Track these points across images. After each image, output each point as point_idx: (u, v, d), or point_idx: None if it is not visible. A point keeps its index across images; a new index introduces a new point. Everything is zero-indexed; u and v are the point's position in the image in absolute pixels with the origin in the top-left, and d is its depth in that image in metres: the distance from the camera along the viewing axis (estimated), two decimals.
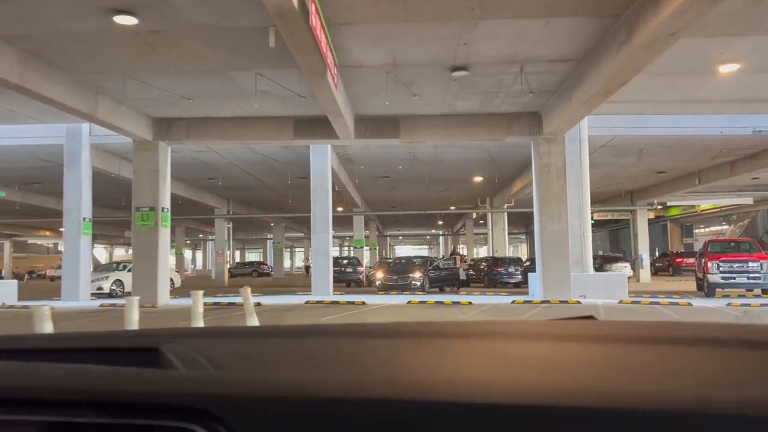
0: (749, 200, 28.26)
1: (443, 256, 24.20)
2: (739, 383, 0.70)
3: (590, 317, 1.07)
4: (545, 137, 13.30)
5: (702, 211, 34.79)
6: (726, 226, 38.21)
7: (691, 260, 37.42)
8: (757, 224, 33.91)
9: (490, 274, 24.43)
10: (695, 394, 0.61)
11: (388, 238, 63.86)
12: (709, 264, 16.03)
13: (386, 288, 18.15)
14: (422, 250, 76.03)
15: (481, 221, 35.40)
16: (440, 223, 46.14)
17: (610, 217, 36.24)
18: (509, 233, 38.70)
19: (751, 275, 15.57)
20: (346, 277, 24.57)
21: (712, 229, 42.15)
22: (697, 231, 43.96)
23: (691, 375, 0.73)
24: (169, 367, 0.81)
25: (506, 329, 1.02)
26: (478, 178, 22.63)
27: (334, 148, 17.53)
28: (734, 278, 15.67)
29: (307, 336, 1.05)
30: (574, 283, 13.94)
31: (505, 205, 27.31)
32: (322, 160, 15.74)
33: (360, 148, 17.52)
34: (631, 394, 0.60)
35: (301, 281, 27.24)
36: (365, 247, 30.29)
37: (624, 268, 24.50)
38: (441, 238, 60.75)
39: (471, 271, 26.37)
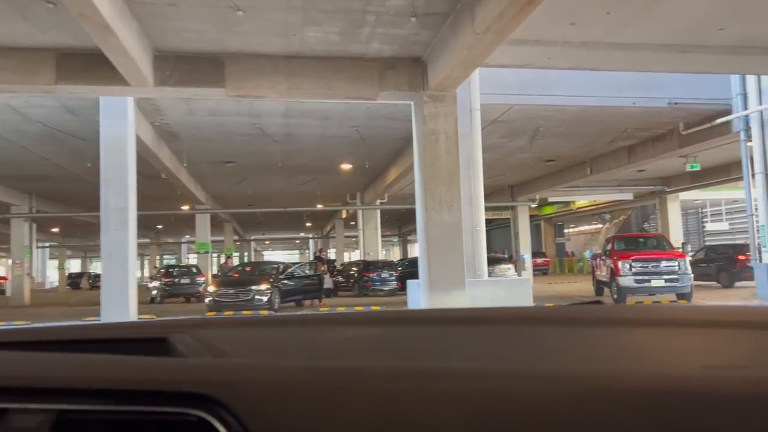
0: (630, 196, 27.01)
1: (300, 263, 20.01)
2: (742, 363, 0.71)
3: (598, 302, 1.12)
4: (432, 93, 9.62)
5: (578, 209, 33.62)
6: (599, 225, 37.62)
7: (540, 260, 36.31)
8: (631, 223, 33.29)
9: (361, 281, 20.69)
10: (699, 376, 0.62)
11: (252, 243, 58.46)
12: (620, 264, 13.29)
13: (219, 306, 13.61)
14: (293, 256, 71.57)
15: (353, 222, 31.72)
16: (308, 224, 41.87)
17: (485, 217, 34.23)
18: (382, 235, 35.27)
19: (667, 277, 13.00)
20: (181, 290, 19.64)
21: (583, 228, 41.67)
22: (567, 231, 43.52)
23: (696, 356, 0.76)
24: (177, 356, 0.83)
25: (514, 315, 1.05)
26: (346, 166, 18.74)
27: (143, 113, 12.73)
28: (649, 281, 13.03)
29: (311, 324, 1.08)
30: (469, 290, 10.48)
31: (378, 201, 23.72)
32: (119, 125, 10.96)
33: (182, 113, 12.89)
34: (636, 376, 0.61)
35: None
36: (212, 252, 25.36)
37: (508, 270, 21.77)
38: (311, 242, 56.50)
39: (340, 278, 22.51)
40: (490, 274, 21.09)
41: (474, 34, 7.31)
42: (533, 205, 26.18)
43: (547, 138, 15.80)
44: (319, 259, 20.42)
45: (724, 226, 27.81)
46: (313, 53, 9.13)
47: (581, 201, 32.17)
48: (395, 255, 57.11)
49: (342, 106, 12.49)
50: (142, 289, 26.05)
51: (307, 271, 16.89)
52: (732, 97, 12.70)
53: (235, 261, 29.34)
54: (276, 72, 9.31)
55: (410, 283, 12.08)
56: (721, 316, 0.93)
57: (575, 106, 12.81)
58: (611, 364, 0.70)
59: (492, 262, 22.69)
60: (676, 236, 25.94)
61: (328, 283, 20.42)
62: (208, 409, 0.62)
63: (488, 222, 39.90)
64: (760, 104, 11.89)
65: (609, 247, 14.57)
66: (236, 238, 47.21)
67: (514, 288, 12.13)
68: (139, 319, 11.16)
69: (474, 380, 0.61)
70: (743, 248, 19.54)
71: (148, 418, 0.64)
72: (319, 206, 27.40)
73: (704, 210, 31.09)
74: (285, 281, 15.02)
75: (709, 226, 29.40)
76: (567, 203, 33.69)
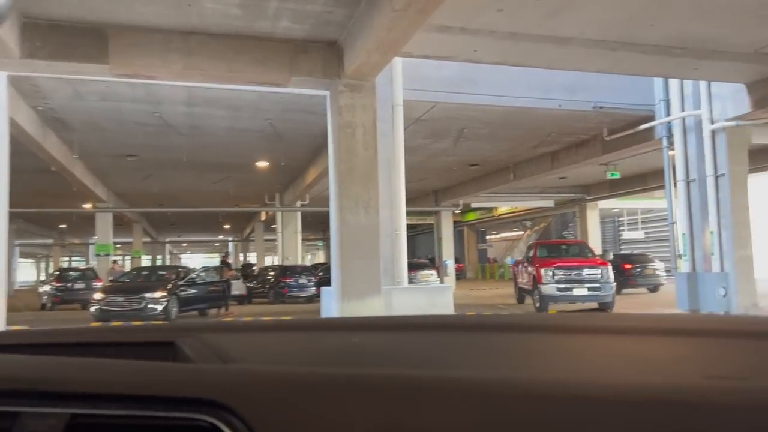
0: (551, 203, 27.18)
1: (204, 267, 18.57)
2: (742, 374, 0.70)
3: (600, 309, 0.96)
4: (349, 82, 8.72)
5: (500, 215, 33.72)
6: (520, 232, 37.98)
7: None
8: (551, 230, 33.71)
9: (277, 287, 19.50)
10: (699, 386, 0.62)
11: (167, 246, 55.57)
12: (542, 272, 12.86)
13: (107, 316, 12.09)
14: (214, 260, 68.70)
15: (274, 225, 30.37)
16: (227, 227, 40.00)
17: (407, 222, 33.73)
18: (305, 239, 34.03)
19: (590, 285, 12.67)
20: (75, 296, 17.80)
21: (505, 235, 42.03)
22: (489, 237, 43.84)
23: (696, 366, 0.76)
24: (185, 360, 0.84)
25: (517, 322, 1.08)
26: (262, 164, 17.54)
27: (22, 95, 11.15)
28: (571, 290, 12.65)
29: (318, 330, 1.10)
30: (387, 299, 9.66)
31: (298, 203, 22.59)
32: None
33: (68, 97, 11.38)
34: (634, 386, 0.60)
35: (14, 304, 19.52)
36: (113, 256, 23.41)
37: (431, 276, 21.21)
38: (230, 245, 54.28)
39: (255, 284, 21.20)
40: (411, 281, 20.49)
41: (393, 11, 6.47)
42: (457, 211, 25.82)
43: (471, 140, 15.28)
44: (225, 263, 19.03)
45: (639, 234, 28.51)
46: (213, 29, 8.02)
47: (504, 208, 32.27)
48: (320, 260, 55.95)
49: (253, 95, 11.38)
50: (33, 294, 23.73)
51: (212, 277, 15.50)
52: (655, 104, 12.57)
53: (127, 266, 27.27)
54: (170, 49, 8.13)
55: (324, 290, 11.12)
56: (722, 325, 0.93)
57: (501, 106, 12.28)
58: (613, 373, 0.69)
59: (415, 267, 22.17)
60: (594, 244, 26.27)
61: (240, 289, 19.11)
62: (217, 415, 0.63)
63: (413, 227, 39.59)
64: (683, 110, 11.77)
65: (531, 253, 14.16)
66: (148, 239, 44.60)
67: (435, 295, 11.41)
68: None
69: (481, 388, 0.62)
70: (638, 258, 20.00)
71: (158, 423, 0.65)
72: (235, 207, 25.92)
73: (621, 219, 31.87)
74: (185, 288, 13.64)
75: (626, 235, 30.11)
76: (490, 209, 33.75)
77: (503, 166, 19.02)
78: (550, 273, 12.64)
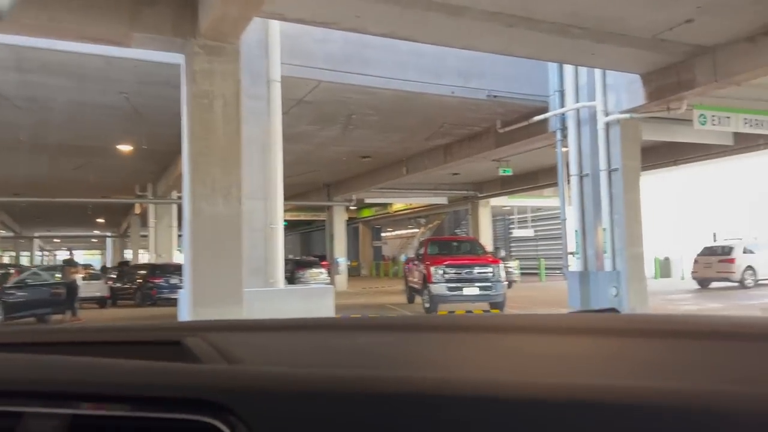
0: (444, 200, 26.76)
1: (41, 266, 16.19)
2: (756, 378, 0.69)
3: (612, 310, 1.06)
4: (205, 43, 7.24)
5: (395, 212, 33.06)
6: (415, 229, 37.58)
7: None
8: (444, 227, 33.49)
9: (145, 288, 17.43)
10: (709, 391, 0.60)
11: (36, 241, 50.37)
12: (432, 270, 11.96)
13: None
14: (95, 257, 63.27)
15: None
16: (100, 221, 36.50)
17: (302, 218, 32.18)
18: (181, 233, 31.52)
19: (481, 284, 11.91)
20: None
21: (400, 232, 41.58)
22: (385, 234, 43.25)
23: (708, 370, 0.73)
24: (190, 360, 0.83)
25: (528, 323, 1.02)
26: (124, 148, 15.45)
27: None
28: (462, 290, 11.84)
29: (325, 330, 1.08)
30: (256, 304, 8.25)
31: (174, 193, 20.48)
32: None
33: None
34: (642, 390, 0.59)
35: None
36: None
37: (320, 275, 19.96)
38: (108, 241, 50.04)
39: (121, 284, 18.95)
40: (299, 280, 19.12)
41: None
42: (351, 206, 24.72)
43: (361, 129, 14.16)
44: (69, 262, 16.66)
45: (529, 232, 28.82)
46: None
47: (399, 204, 31.61)
48: None
49: (99, 60, 9.56)
50: None
51: (51, 278, 13.24)
52: (550, 95, 12.04)
53: None
54: None
55: (180, 293, 9.52)
56: (739, 327, 0.89)
57: (390, 90, 11.22)
58: (630, 377, 0.67)
59: (303, 266, 20.81)
60: (486, 241, 26.16)
61: (100, 290, 16.90)
62: (220, 417, 0.62)
63: (307, 223, 37.88)
64: (577, 102, 11.28)
65: (422, 251, 13.26)
66: (11, 234, 40.01)
67: (312, 298, 10.11)
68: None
69: (490, 391, 0.60)
70: None
71: (161, 424, 0.65)
72: (102, 199, 23.26)
73: (512, 217, 32.19)
74: (13, 291, 11.44)
75: (516, 233, 30.38)
76: (385, 206, 32.99)
77: (396, 159, 18.09)
78: (441, 271, 11.77)
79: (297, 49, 10.22)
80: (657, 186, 25.30)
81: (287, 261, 23.38)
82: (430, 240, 14.02)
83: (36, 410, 0.67)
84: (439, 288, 11.72)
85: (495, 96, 11.76)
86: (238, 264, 7.45)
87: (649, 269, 23.78)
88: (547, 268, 27.13)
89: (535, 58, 9.60)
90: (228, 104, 7.38)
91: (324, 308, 9.89)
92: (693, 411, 0.54)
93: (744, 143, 13.82)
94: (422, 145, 16.26)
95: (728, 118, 11.56)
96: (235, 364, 0.81)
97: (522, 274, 26.48)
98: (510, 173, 19.87)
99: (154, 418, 0.64)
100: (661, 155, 16.67)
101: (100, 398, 0.67)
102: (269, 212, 10.03)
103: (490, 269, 11.97)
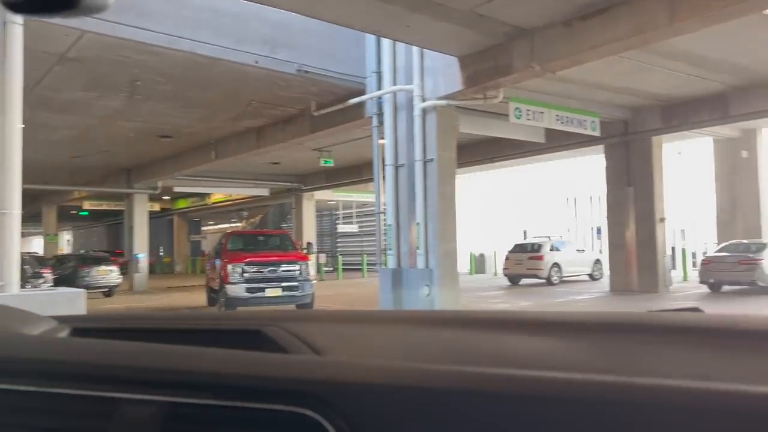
0: (266, 192, 25.03)
1: None
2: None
3: (695, 309, 1.00)
4: None
5: (214, 203, 30.56)
6: (238, 223, 35.23)
7: None
8: (268, 221, 31.68)
9: None
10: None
11: None
12: (229, 269, 10.28)
13: None
14: None
15: None
16: None
17: (106, 207, 28.32)
18: None
19: (286, 284, 10.48)
20: None
21: (223, 226, 38.90)
22: (205, 228, 40.27)
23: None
24: (271, 349, 0.84)
25: (611, 319, 1.00)
26: None
27: None
28: (264, 290, 10.30)
29: (406, 323, 1.05)
30: None
31: None
32: None
33: None
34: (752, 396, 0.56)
35: None
36: None
37: (110, 273, 17.17)
38: None
39: None
40: (82, 280, 16.19)
41: None
42: (156, 194, 21.94)
43: (153, 100, 12.01)
44: None
45: (354, 228, 28.14)
46: None
47: (219, 195, 29.18)
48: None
49: None
50: None
51: None
52: (367, 76, 10.97)
53: None
54: None
55: None
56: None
57: (180, 51, 9.34)
58: (723, 380, 0.62)
59: (89, 263, 17.76)
60: (310, 237, 24.94)
61: None
62: (317, 409, 0.62)
63: (115, 214, 33.51)
64: (394, 84, 10.32)
65: (223, 246, 11.51)
66: None
67: (57, 306, 7.92)
68: None
69: (596, 392, 0.59)
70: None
71: (255, 414, 0.65)
72: None
73: (338, 212, 31.34)
74: None
75: (340, 228, 29.55)
76: (203, 196, 30.33)
77: (203, 141, 16.02)
78: (239, 270, 10.15)
79: None
80: (476, 184, 25.95)
81: (69, 257, 20.17)
82: (232, 234, 12.27)
83: (131, 396, 0.68)
84: (236, 289, 10.09)
85: (306, 71, 10.40)
86: None
87: (466, 265, 24.30)
88: (370, 264, 26.61)
89: (345, 24, 8.36)
90: None
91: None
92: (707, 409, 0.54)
93: (556, 142, 13.98)
94: (231, 126, 14.45)
95: (542, 113, 11.37)
96: (320, 354, 0.81)
97: (346, 269, 25.70)
98: (332, 164, 18.79)
99: (249, 408, 0.65)
100: (479, 152, 16.58)
101: (194, 386, 0.67)
102: (2, 195, 7.71)
103: (297, 267, 10.60)
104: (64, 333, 0.96)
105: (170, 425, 0.66)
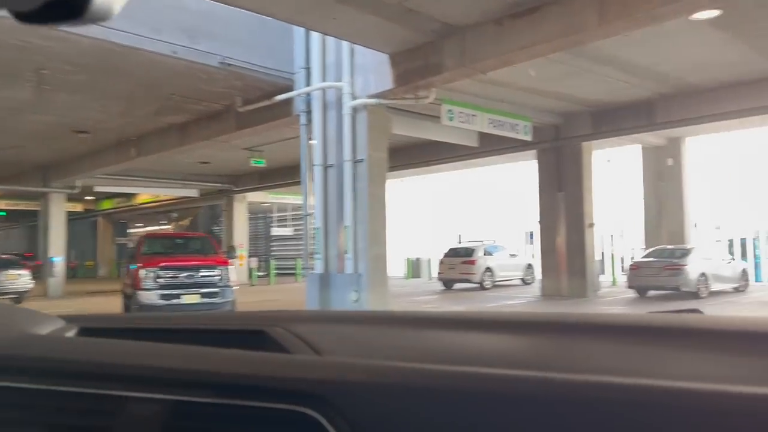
0: (195, 193, 24.05)
1: None
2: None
3: (695, 310, 1.00)
4: None
5: (141, 204, 29.19)
6: (168, 225, 33.82)
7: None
8: (198, 223, 30.53)
9: None
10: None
11: None
12: (142, 274, 9.58)
13: None
14: None
15: None
16: None
17: (24, 207, 26.52)
18: None
19: (205, 291, 9.85)
20: None
21: (151, 228, 37.33)
22: (132, 230, 38.51)
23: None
24: (274, 350, 0.84)
25: (610, 321, 1.00)
26: None
27: None
28: (179, 297, 9.65)
29: (407, 324, 1.04)
30: None
31: None
32: None
33: None
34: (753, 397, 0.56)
35: None
36: None
37: (20, 277, 15.92)
38: None
39: None
40: None
41: None
42: (74, 194, 20.63)
43: (65, 92, 11.12)
44: None
45: (288, 231, 27.45)
46: None
47: (146, 196, 27.86)
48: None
49: None
50: None
51: None
52: (295, 71, 10.50)
53: None
54: None
55: None
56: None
57: (89, 39, 8.59)
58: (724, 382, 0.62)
59: (1, 266, 16.45)
60: (242, 240, 24.12)
61: None
62: (318, 408, 0.62)
63: (32, 214, 31.55)
64: (323, 81, 9.89)
65: (137, 250, 10.74)
66: None
67: None
68: None
69: (590, 392, 0.59)
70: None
71: (257, 413, 0.65)
72: None
73: (273, 215, 30.54)
74: None
75: (274, 231, 28.78)
76: (129, 197, 28.91)
77: (123, 137, 15.07)
78: (152, 275, 9.45)
79: None
80: (413, 187, 25.82)
81: None
82: (146, 236, 11.51)
83: (137, 395, 0.69)
84: (149, 296, 9.38)
85: (229, 64, 9.83)
86: None
87: (401, 269, 24.08)
88: (305, 269, 25.98)
89: (266, 13, 7.87)
90: None
91: None
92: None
93: (489, 146, 13.88)
94: (153, 122, 13.63)
95: (475, 116, 11.21)
96: (320, 354, 0.82)
97: (279, 274, 24.96)
98: (264, 164, 18.15)
99: (251, 407, 0.65)
100: (412, 156, 16.35)
101: (198, 385, 0.68)
102: None
103: (217, 272, 9.99)
104: (71, 332, 0.99)
105: (175, 423, 0.67)
